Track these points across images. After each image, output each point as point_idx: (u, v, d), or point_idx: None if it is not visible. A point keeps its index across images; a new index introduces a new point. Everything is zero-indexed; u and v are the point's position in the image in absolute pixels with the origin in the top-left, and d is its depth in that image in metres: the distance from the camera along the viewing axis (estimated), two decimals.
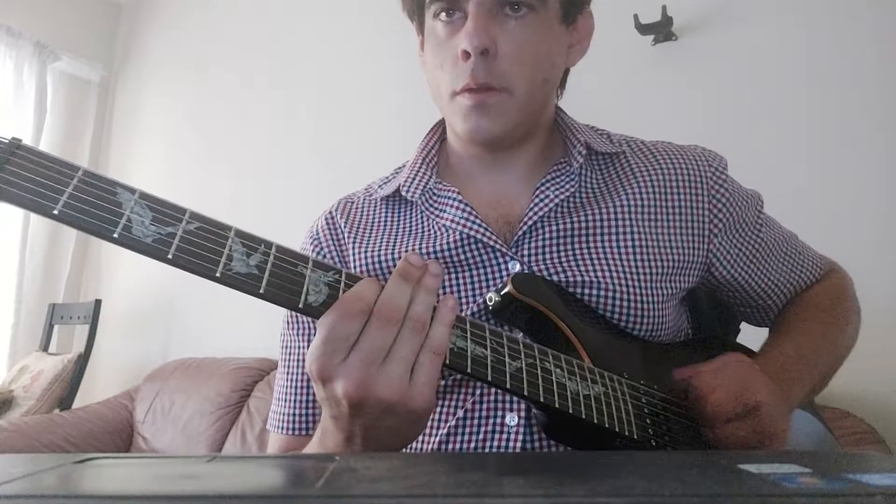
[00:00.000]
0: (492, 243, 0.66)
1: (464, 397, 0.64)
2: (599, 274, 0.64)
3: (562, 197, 0.68)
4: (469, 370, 0.47)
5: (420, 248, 0.68)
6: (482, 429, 0.62)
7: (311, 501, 0.24)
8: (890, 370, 1.30)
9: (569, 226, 0.67)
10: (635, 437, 0.55)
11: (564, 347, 0.57)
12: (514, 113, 0.65)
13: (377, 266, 0.69)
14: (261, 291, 0.42)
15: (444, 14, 0.65)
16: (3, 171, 0.37)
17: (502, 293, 0.59)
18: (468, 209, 0.67)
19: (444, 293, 0.65)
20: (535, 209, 0.67)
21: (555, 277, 0.64)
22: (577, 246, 0.66)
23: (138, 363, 2.76)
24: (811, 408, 0.74)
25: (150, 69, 3.30)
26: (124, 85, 3.41)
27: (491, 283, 0.65)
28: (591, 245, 0.66)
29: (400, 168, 0.78)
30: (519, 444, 0.60)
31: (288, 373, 0.73)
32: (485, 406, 0.62)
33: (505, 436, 0.61)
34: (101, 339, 2.62)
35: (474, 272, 0.66)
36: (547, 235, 0.67)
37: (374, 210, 0.75)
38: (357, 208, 0.76)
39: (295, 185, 2.50)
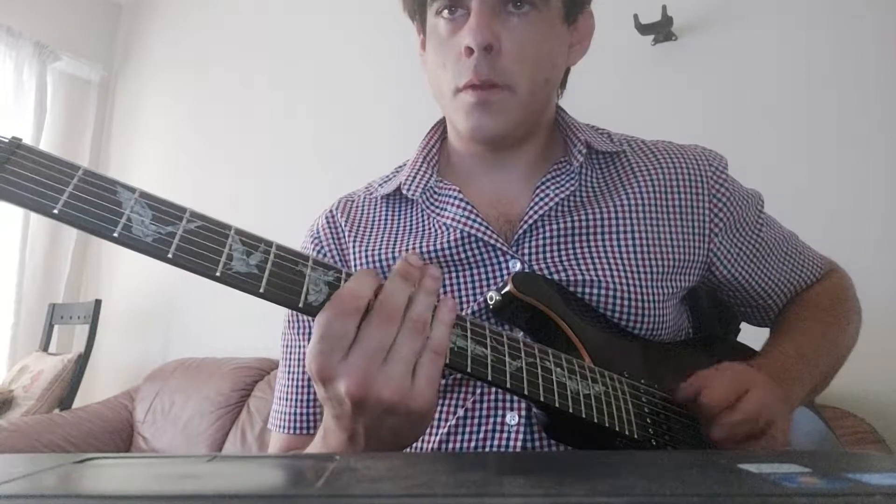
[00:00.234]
0: (492, 242, 0.66)
1: (464, 396, 0.64)
2: (600, 273, 0.64)
3: (562, 196, 0.68)
4: (469, 369, 0.47)
5: (421, 247, 0.68)
6: (482, 428, 0.62)
7: (311, 501, 0.24)
8: (890, 370, 1.30)
9: (569, 225, 0.67)
10: (636, 436, 0.55)
11: (565, 346, 0.57)
12: (516, 111, 0.65)
13: (378, 265, 0.69)
14: (261, 291, 0.42)
15: (446, 11, 0.65)
16: (4, 170, 0.37)
17: (503, 292, 0.59)
18: (469, 207, 0.67)
19: (445, 292, 0.66)
20: (536, 208, 0.67)
21: (555, 276, 0.64)
22: (577, 245, 0.66)
23: (138, 363, 2.76)
24: (812, 407, 0.74)
25: (150, 69, 3.30)
26: (124, 85, 3.41)
27: (491, 281, 0.65)
28: (592, 244, 0.66)
29: (401, 167, 0.78)
30: (519, 444, 0.60)
31: (289, 372, 0.73)
32: (485, 405, 0.62)
33: (505, 435, 0.61)
34: (101, 339, 2.62)
35: (475, 271, 0.66)
36: (547, 234, 0.67)
37: (375, 209, 0.75)
38: (357, 207, 0.76)
39: (295, 185, 2.50)
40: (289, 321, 0.74)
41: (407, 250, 0.68)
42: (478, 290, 0.65)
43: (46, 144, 3.06)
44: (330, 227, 0.75)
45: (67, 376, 2.46)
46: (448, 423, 0.63)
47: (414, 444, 0.49)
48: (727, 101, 1.63)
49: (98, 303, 2.61)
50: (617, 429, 0.53)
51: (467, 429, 0.63)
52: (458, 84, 0.64)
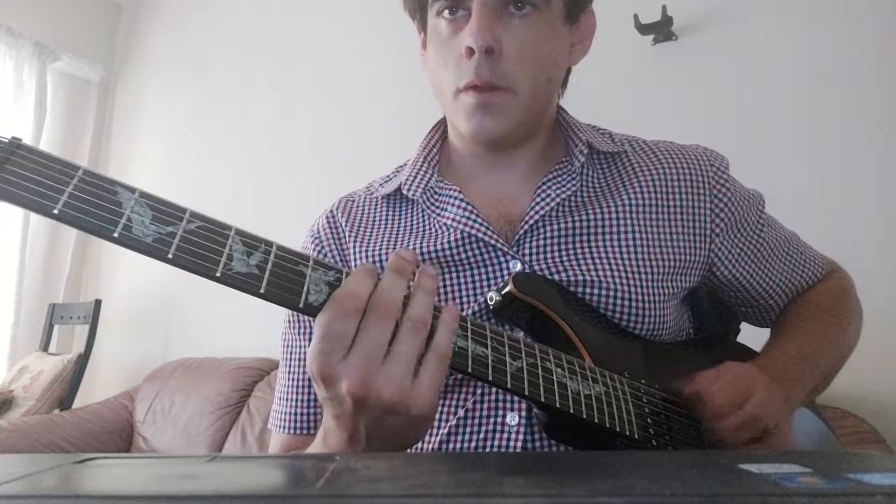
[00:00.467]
0: (493, 242, 0.66)
1: (464, 397, 0.63)
2: (601, 273, 0.64)
3: (563, 196, 0.68)
4: (470, 370, 0.47)
5: (421, 247, 0.68)
6: (483, 428, 0.62)
7: (311, 501, 0.24)
8: (891, 370, 1.30)
9: (570, 225, 0.67)
10: (636, 436, 0.55)
11: (565, 347, 0.57)
12: (517, 112, 0.65)
13: (378, 265, 0.69)
14: (261, 291, 0.42)
15: (447, 12, 0.65)
16: (4, 170, 0.37)
17: (503, 292, 0.58)
18: (469, 208, 0.67)
19: (446, 292, 0.66)
20: (537, 208, 0.67)
21: (556, 276, 0.64)
22: (578, 245, 0.66)
23: (138, 363, 2.76)
24: (812, 407, 0.74)
25: (150, 69, 3.30)
26: (124, 85, 3.41)
27: (492, 282, 0.65)
28: (593, 244, 0.66)
29: (401, 167, 0.78)
30: (520, 444, 0.60)
31: (289, 372, 0.73)
32: (485, 405, 0.62)
33: (506, 435, 0.61)
34: (101, 339, 2.62)
35: (475, 271, 0.66)
36: (548, 234, 0.66)
37: (375, 208, 0.75)
38: (358, 207, 0.76)
39: (295, 185, 2.50)
40: (289, 321, 0.74)
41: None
42: (478, 291, 0.65)
43: (46, 144, 3.06)
44: (330, 227, 0.75)
45: (67, 376, 2.46)
46: (448, 424, 0.63)
47: (419, 441, 0.49)
48: (727, 101, 1.63)
49: (98, 303, 2.61)
50: (617, 429, 0.53)
51: (468, 429, 0.62)
52: (458, 85, 0.64)
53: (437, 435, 0.63)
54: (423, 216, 0.71)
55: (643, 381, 0.60)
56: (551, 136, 0.74)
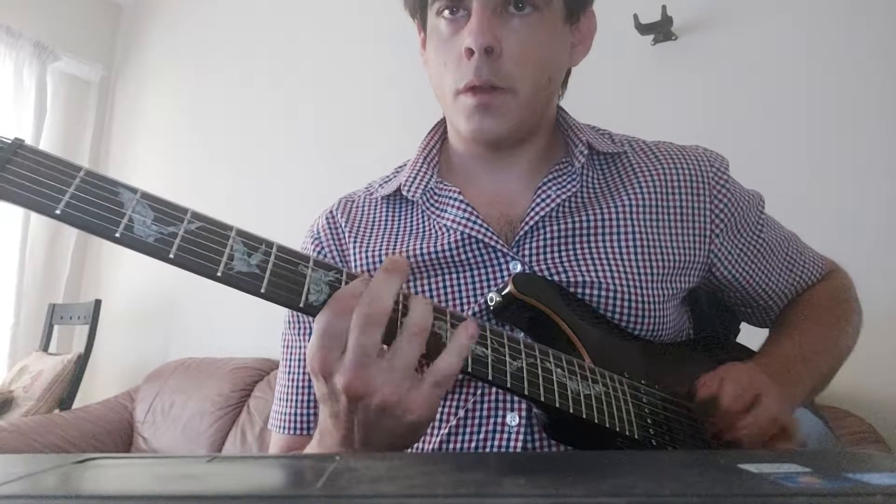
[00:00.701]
0: (493, 243, 0.66)
1: (465, 397, 0.64)
2: (601, 274, 0.64)
3: (563, 197, 0.68)
4: (470, 369, 0.47)
5: (421, 248, 0.68)
6: (483, 428, 0.62)
7: (311, 501, 0.24)
8: (890, 370, 1.30)
9: (570, 226, 0.67)
10: (636, 436, 0.55)
11: (565, 347, 0.57)
12: (517, 113, 0.65)
13: (377, 266, 0.69)
14: (262, 291, 0.42)
15: (447, 11, 0.65)
16: (6, 171, 0.38)
17: (503, 293, 0.59)
18: (469, 209, 0.67)
19: (446, 293, 0.66)
20: (537, 209, 0.67)
21: (556, 277, 0.64)
22: (578, 246, 0.66)
23: (138, 363, 2.76)
24: (811, 407, 0.74)
25: (150, 69, 3.30)
26: (124, 85, 3.41)
27: (492, 283, 0.65)
28: (593, 245, 0.66)
29: (401, 167, 0.78)
30: (520, 444, 0.60)
31: (289, 372, 0.73)
32: (485, 406, 0.62)
33: (506, 436, 0.61)
34: (101, 339, 2.61)
35: (475, 272, 0.66)
36: (548, 235, 0.66)
37: (375, 209, 0.75)
38: (357, 207, 0.76)
39: (295, 185, 2.50)
40: (289, 322, 0.74)
41: (407, 251, 0.68)
42: (478, 292, 0.65)
43: (46, 144, 3.06)
44: (330, 228, 0.75)
45: (67, 376, 2.46)
46: (449, 424, 0.63)
47: (414, 445, 0.49)
48: (727, 101, 1.63)
49: (98, 303, 2.61)
50: (617, 429, 0.53)
51: (468, 429, 0.63)
52: (458, 86, 0.64)
53: (437, 435, 0.63)
54: (422, 217, 0.71)
55: (643, 382, 0.60)
56: (551, 136, 0.74)
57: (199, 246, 0.41)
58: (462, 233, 0.66)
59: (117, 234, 0.39)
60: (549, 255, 0.65)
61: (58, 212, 0.38)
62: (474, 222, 0.66)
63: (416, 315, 0.45)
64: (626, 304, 0.64)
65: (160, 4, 3.33)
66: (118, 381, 2.78)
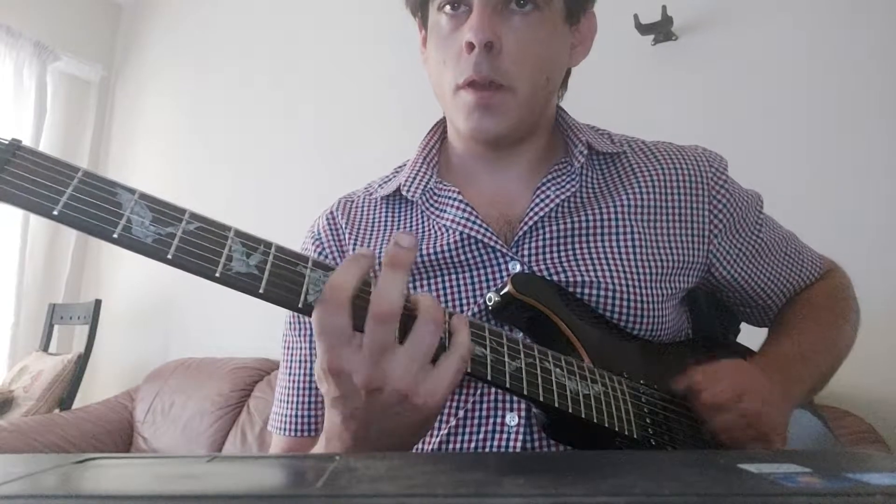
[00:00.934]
0: (492, 244, 0.66)
1: (464, 397, 0.64)
2: (600, 274, 0.64)
3: (563, 197, 0.68)
4: (469, 369, 0.47)
5: (420, 248, 0.68)
6: (482, 429, 0.62)
7: (311, 501, 0.24)
8: (890, 369, 1.30)
9: (569, 226, 0.67)
10: (635, 436, 0.55)
11: (564, 347, 0.57)
12: (516, 111, 0.65)
13: (378, 266, 0.69)
14: (260, 291, 0.42)
15: (448, 7, 0.65)
16: (4, 172, 0.37)
17: (502, 293, 0.59)
18: (469, 209, 0.67)
19: (446, 294, 0.66)
20: (536, 209, 0.67)
21: (555, 277, 0.64)
22: (577, 246, 0.66)
23: (138, 363, 2.76)
24: (811, 406, 0.74)
25: (150, 69, 3.30)
26: (124, 85, 3.41)
27: (491, 283, 0.65)
28: (592, 245, 0.66)
29: (400, 167, 0.78)
30: (519, 444, 0.60)
31: (290, 374, 0.72)
32: (485, 406, 0.62)
33: (505, 436, 0.61)
34: (101, 339, 2.62)
35: (474, 272, 0.66)
36: (547, 235, 0.66)
37: (375, 209, 0.75)
38: (357, 208, 0.76)
39: (294, 185, 2.50)
40: (289, 322, 0.74)
41: None
42: (478, 292, 0.65)
43: (46, 144, 3.06)
44: (330, 228, 0.75)
45: (67, 376, 2.46)
46: (448, 424, 0.63)
47: (418, 442, 0.49)
48: (727, 101, 1.63)
49: (98, 303, 2.61)
50: (616, 429, 0.53)
51: (467, 429, 0.62)
52: (458, 81, 0.64)
53: (436, 435, 0.63)
54: (422, 217, 0.71)
55: (642, 382, 0.60)
56: (550, 136, 0.74)
57: (198, 246, 0.41)
58: (461, 233, 0.66)
59: (115, 235, 0.39)
60: (548, 255, 0.65)
61: (56, 213, 0.38)
62: (474, 222, 0.66)
63: (429, 305, 0.45)
64: (625, 304, 0.64)
65: (160, 4, 3.33)
66: (118, 381, 2.78)
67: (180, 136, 3.05)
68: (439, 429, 0.64)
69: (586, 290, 0.64)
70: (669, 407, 0.60)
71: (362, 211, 0.76)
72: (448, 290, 0.66)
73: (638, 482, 0.27)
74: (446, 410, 0.64)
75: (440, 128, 0.77)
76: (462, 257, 0.66)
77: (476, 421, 0.62)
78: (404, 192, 0.72)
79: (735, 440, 0.57)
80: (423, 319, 0.44)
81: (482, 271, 0.66)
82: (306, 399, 0.70)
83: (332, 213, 0.77)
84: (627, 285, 0.64)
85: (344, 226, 0.74)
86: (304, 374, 0.71)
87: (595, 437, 0.54)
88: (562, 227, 0.67)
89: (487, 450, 0.61)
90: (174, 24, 3.25)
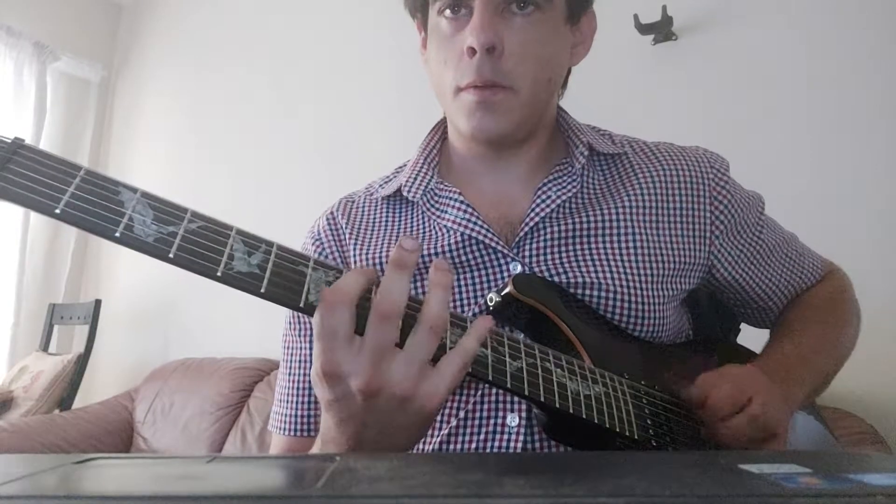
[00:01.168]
0: (493, 244, 0.66)
1: (465, 398, 0.63)
2: (601, 275, 0.64)
3: (564, 198, 0.68)
4: (470, 370, 0.47)
5: (421, 249, 0.68)
6: (483, 429, 0.62)
7: (311, 501, 0.24)
8: (891, 370, 1.30)
9: (570, 227, 0.67)
10: (636, 436, 0.55)
11: (565, 348, 0.57)
12: (518, 111, 0.65)
13: (378, 266, 0.69)
14: (262, 291, 0.42)
15: (449, 10, 0.65)
16: (6, 170, 0.38)
17: (503, 294, 0.59)
18: (470, 210, 0.67)
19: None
20: (537, 210, 0.67)
21: (556, 278, 0.64)
22: (578, 247, 0.66)
23: (138, 363, 2.76)
24: (811, 408, 0.74)
25: (150, 69, 3.30)
26: (124, 85, 3.41)
27: (492, 283, 0.65)
28: (593, 246, 0.66)
29: (401, 167, 0.78)
30: (520, 445, 0.60)
31: (290, 374, 0.72)
32: (486, 406, 0.62)
33: (506, 436, 0.61)
34: (101, 339, 2.61)
35: (475, 273, 0.66)
36: (548, 236, 0.66)
37: (375, 210, 0.75)
38: (358, 208, 0.76)
39: (295, 185, 2.50)
40: (290, 322, 0.74)
41: None
42: (479, 293, 0.65)
43: (46, 144, 3.06)
44: (331, 228, 0.75)
45: (67, 376, 2.46)
46: (449, 425, 0.63)
47: (416, 444, 0.49)
48: (727, 101, 1.63)
49: (98, 303, 2.61)
50: (617, 429, 0.53)
51: (468, 430, 0.62)
52: (459, 84, 0.64)
53: (437, 436, 0.63)
54: (423, 218, 0.71)
55: (643, 382, 0.60)
56: (551, 137, 0.74)
57: (199, 245, 0.41)
58: (462, 233, 0.66)
59: (117, 234, 0.39)
60: (549, 256, 0.65)
61: (58, 211, 0.38)
62: (475, 223, 0.66)
63: (435, 309, 0.45)
64: (625, 305, 0.64)
65: (160, 4, 3.33)
66: (118, 381, 2.78)
67: (180, 136, 3.05)
68: (440, 429, 0.64)
69: (587, 291, 0.63)
70: (670, 408, 0.60)
71: (363, 211, 0.76)
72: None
73: (638, 483, 0.27)
74: (447, 411, 0.64)
75: (441, 128, 0.77)
76: (463, 258, 0.66)
77: (477, 421, 0.62)
78: (405, 193, 0.72)
79: (739, 443, 0.57)
80: (424, 325, 0.44)
81: (483, 272, 0.66)
82: (306, 399, 0.70)
83: (332, 213, 0.77)
84: (628, 286, 0.64)
85: (344, 226, 0.74)
86: (304, 374, 0.71)
87: (596, 437, 0.54)
88: (563, 227, 0.67)
89: (488, 450, 0.61)
90: (174, 24, 3.25)
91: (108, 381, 2.85)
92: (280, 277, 0.43)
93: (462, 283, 0.66)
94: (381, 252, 0.70)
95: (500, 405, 0.62)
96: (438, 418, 0.64)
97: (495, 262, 0.66)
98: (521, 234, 0.66)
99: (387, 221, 0.73)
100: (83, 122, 3.31)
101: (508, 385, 0.48)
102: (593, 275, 0.64)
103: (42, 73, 3.03)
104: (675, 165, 0.72)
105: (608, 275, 0.64)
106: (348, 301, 0.43)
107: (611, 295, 0.64)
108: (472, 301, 0.65)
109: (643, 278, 0.65)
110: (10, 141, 0.38)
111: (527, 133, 0.69)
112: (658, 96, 1.73)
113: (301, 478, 0.32)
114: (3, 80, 2.90)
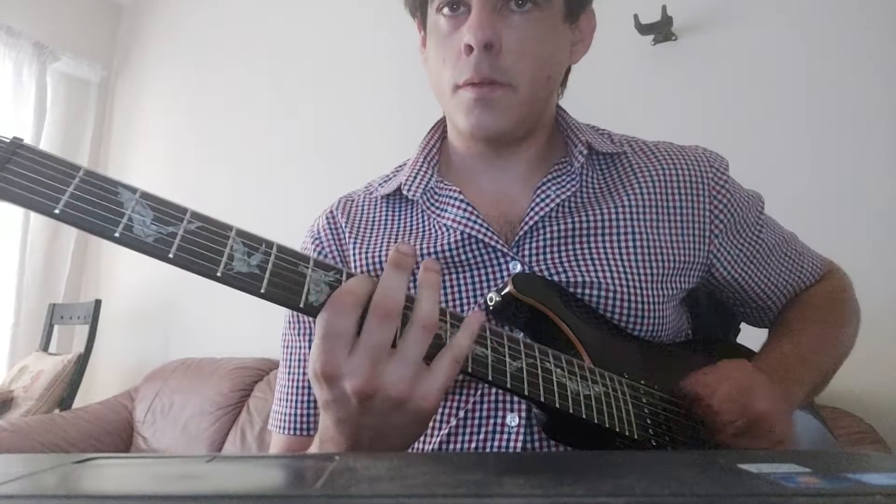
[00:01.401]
0: (493, 243, 0.66)
1: (465, 398, 0.64)
2: (600, 274, 0.64)
3: (563, 197, 0.68)
4: (470, 370, 0.47)
5: (421, 248, 0.68)
6: (483, 429, 0.62)
7: (311, 501, 0.24)
8: (890, 370, 1.30)
9: (570, 226, 0.67)
10: (635, 436, 0.55)
11: (565, 347, 0.57)
12: (516, 108, 0.65)
13: (378, 265, 0.69)
14: (262, 291, 0.42)
15: (447, 8, 0.65)
16: (5, 170, 0.37)
17: (503, 293, 0.59)
18: (469, 209, 0.67)
19: (446, 293, 0.66)
20: (536, 209, 0.67)
21: (555, 278, 0.64)
22: (577, 246, 0.66)
23: (138, 363, 2.76)
24: (810, 407, 0.74)
25: (150, 69, 3.30)
26: (124, 85, 3.41)
27: (492, 283, 0.65)
28: (592, 245, 0.66)
29: (401, 166, 0.78)
30: (520, 445, 0.60)
31: (289, 373, 0.72)
32: (485, 406, 0.62)
33: (506, 436, 0.61)
34: (101, 339, 2.61)
35: (475, 272, 0.66)
36: (548, 235, 0.66)
37: (375, 209, 0.75)
38: (357, 207, 0.76)
39: (294, 185, 2.50)
40: (289, 322, 0.74)
41: None
42: (478, 292, 0.65)
43: (46, 144, 3.06)
44: (330, 227, 0.75)
45: (67, 376, 2.46)
46: (449, 425, 0.63)
47: (414, 445, 0.49)
48: (727, 101, 1.63)
49: (98, 303, 2.61)
50: (617, 429, 0.53)
51: (468, 430, 0.62)
52: (457, 81, 0.64)
53: (437, 436, 0.63)
54: (422, 217, 0.71)
55: (642, 382, 0.60)
56: (551, 136, 0.74)
57: (199, 246, 0.41)
58: (462, 232, 0.66)
59: (117, 234, 0.39)
60: (548, 256, 0.65)
61: (57, 211, 0.38)
62: (475, 222, 0.66)
63: (427, 308, 0.45)
64: (625, 304, 0.64)
65: (160, 4, 3.33)
66: (118, 381, 2.78)
67: (180, 136, 3.05)
68: (440, 429, 0.64)
69: (587, 291, 0.63)
70: (670, 407, 0.60)
71: (362, 210, 0.76)
72: (448, 290, 0.66)
73: (638, 482, 0.27)
74: (447, 411, 0.64)
75: (440, 127, 0.77)
76: (463, 257, 0.66)
77: (476, 421, 0.62)
78: (405, 192, 0.72)
79: (739, 442, 0.57)
80: (417, 325, 0.44)
81: (483, 271, 0.66)
82: (305, 398, 0.70)
83: (332, 212, 0.77)
84: (628, 286, 0.64)
85: (344, 225, 0.74)
86: (304, 374, 0.71)
87: (595, 437, 0.54)
88: (562, 227, 0.67)
89: (488, 450, 0.61)
90: (174, 24, 3.25)
91: (108, 381, 2.85)
92: (280, 278, 0.43)
93: (462, 282, 0.66)
94: (380, 251, 0.70)
95: (500, 405, 0.62)
96: (438, 418, 0.64)
97: (495, 261, 0.66)
98: (521, 232, 0.66)
99: (386, 220, 0.73)
100: (83, 123, 3.31)
101: (508, 385, 0.48)
102: (593, 274, 0.64)
103: (42, 74, 3.03)
104: (675, 165, 0.72)
105: (608, 274, 0.64)
106: (358, 304, 0.43)
107: (610, 294, 0.64)
108: (472, 300, 0.65)
109: (643, 277, 0.65)
110: (9, 141, 0.38)
111: (526, 131, 0.69)
112: (658, 96, 1.73)
113: (301, 477, 0.32)
114: (3, 81, 2.90)
